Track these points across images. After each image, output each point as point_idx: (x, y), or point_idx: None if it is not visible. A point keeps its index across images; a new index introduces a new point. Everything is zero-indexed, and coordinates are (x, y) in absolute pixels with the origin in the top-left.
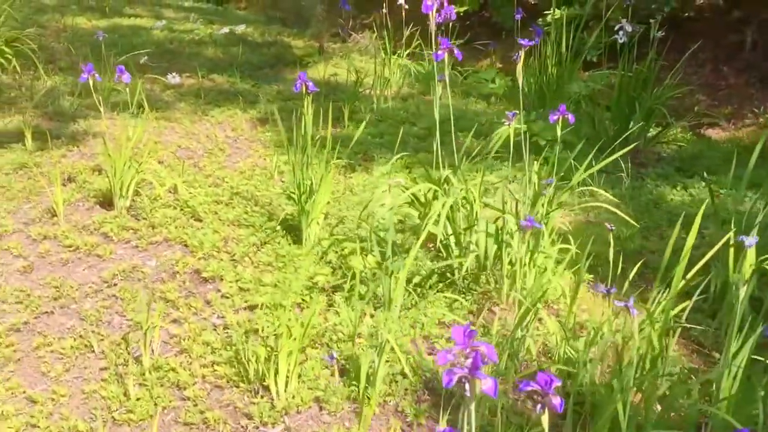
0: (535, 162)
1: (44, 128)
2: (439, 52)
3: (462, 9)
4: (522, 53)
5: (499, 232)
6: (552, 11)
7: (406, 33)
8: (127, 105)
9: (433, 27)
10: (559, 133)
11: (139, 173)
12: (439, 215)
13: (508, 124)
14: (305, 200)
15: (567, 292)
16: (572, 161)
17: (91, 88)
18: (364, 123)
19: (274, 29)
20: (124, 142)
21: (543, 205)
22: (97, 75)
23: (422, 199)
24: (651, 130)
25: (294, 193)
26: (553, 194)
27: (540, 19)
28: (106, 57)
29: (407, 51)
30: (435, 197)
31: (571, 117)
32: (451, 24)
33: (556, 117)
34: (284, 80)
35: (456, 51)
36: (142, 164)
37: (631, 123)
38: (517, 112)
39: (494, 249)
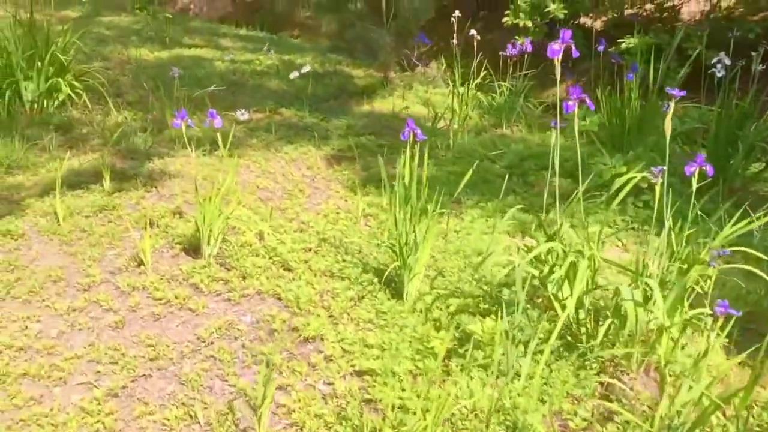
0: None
1: (120, 167)
2: (570, 103)
3: (526, 38)
4: (672, 105)
5: (634, 295)
6: (625, 40)
7: (475, 63)
8: (200, 141)
9: (558, 74)
10: (694, 185)
11: (228, 220)
12: (567, 279)
13: (656, 181)
14: (408, 254)
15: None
16: (699, 213)
17: (183, 134)
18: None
19: (332, 58)
20: (215, 191)
21: (676, 261)
22: (190, 121)
23: (541, 257)
24: (752, 167)
25: (394, 244)
26: (688, 249)
27: (613, 47)
28: (170, 89)
29: (476, 81)
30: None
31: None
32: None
33: (692, 169)
34: (352, 113)
35: (588, 101)
36: (232, 211)
37: (732, 161)
38: (664, 167)
39: (630, 313)
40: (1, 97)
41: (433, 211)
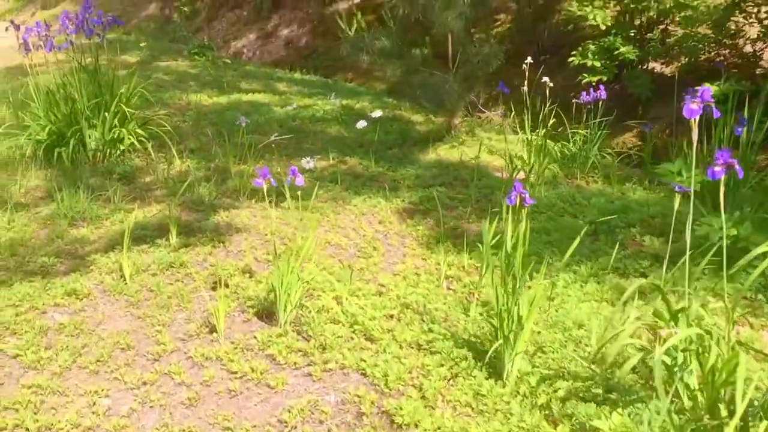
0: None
1: (185, 220)
2: (717, 169)
3: (594, 78)
4: None
5: None
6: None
7: (545, 109)
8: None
9: (694, 137)
10: None
11: (306, 284)
12: (712, 372)
13: None
14: (510, 330)
15: None
16: None
17: (264, 193)
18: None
19: (389, 103)
20: (292, 253)
21: None
22: (272, 180)
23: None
24: None
25: (492, 318)
26: None
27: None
28: (231, 136)
29: (546, 129)
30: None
31: None
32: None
33: None
34: (418, 162)
35: (737, 167)
36: (312, 278)
37: None
38: None
39: None
40: (65, 145)
41: (533, 279)
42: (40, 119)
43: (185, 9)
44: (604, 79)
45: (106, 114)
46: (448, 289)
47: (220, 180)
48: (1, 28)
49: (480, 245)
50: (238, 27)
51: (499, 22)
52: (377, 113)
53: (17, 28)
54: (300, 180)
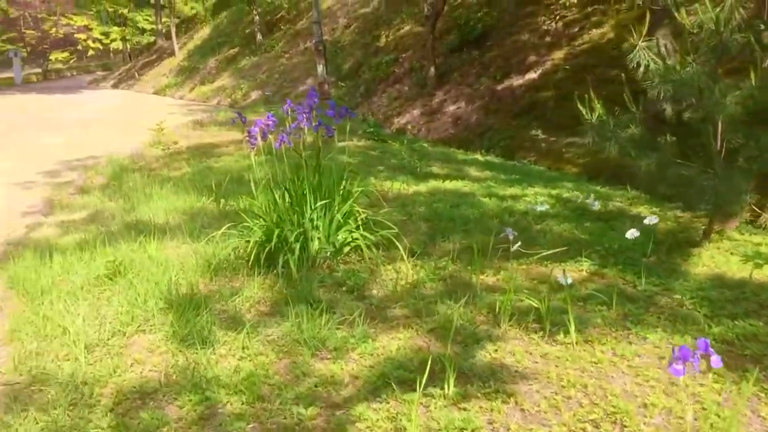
0: None
1: (448, 356)
2: None
3: None
4: None
5: None
6: None
7: None
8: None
9: None
10: None
11: None
12: None
13: None
14: None
15: None
16: None
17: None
18: None
19: (602, 192)
20: None
21: None
22: (695, 366)
23: None
24: None
25: None
26: None
27: None
28: (448, 232)
29: None
30: None
31: None
32: None
33: None
34: (689, 276)
35: None
36: None
37: None
38: None
39: None
40: (290, 252)
41: None
42: (258, 218)
43: (343, 84)
44: None
45: (335, 214)
46: None
47: (463, 295)
48: (167, 103)
49: None
50: (399, 102)
51: None
52: (654, 219)
53: (244, 120)
54: (716, 360)
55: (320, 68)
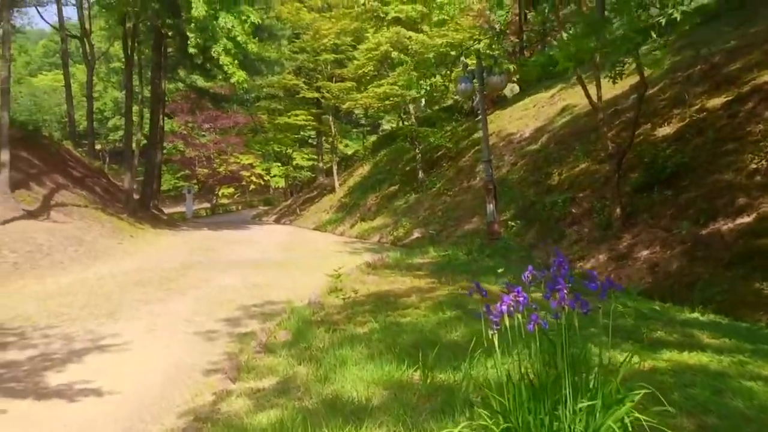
0: None
1: None
2: None
3: None
4: None
5: None
6: None
7: None
8: None
9: None
10: None
11: None
12: None
13: None
14: None
15: None
16: None
17: None
18: None
19: None
20: None
21: None
22: None
23: None
24: None
25: None
26: None
27: None
28: None
29: None
30: None
31: None
32: None
33: None
34: None
35: None
36: None
37: None
38: None
39: None
40: None
41: None
42: (495, 414)
43: (513, 224)
44: None
45: (603, 421)
46: None
47: None
48: (331, 240)
49: None
50: (581, 246)
51: None
52: None
53: (484, 293)
54: None
55: (490, 207)
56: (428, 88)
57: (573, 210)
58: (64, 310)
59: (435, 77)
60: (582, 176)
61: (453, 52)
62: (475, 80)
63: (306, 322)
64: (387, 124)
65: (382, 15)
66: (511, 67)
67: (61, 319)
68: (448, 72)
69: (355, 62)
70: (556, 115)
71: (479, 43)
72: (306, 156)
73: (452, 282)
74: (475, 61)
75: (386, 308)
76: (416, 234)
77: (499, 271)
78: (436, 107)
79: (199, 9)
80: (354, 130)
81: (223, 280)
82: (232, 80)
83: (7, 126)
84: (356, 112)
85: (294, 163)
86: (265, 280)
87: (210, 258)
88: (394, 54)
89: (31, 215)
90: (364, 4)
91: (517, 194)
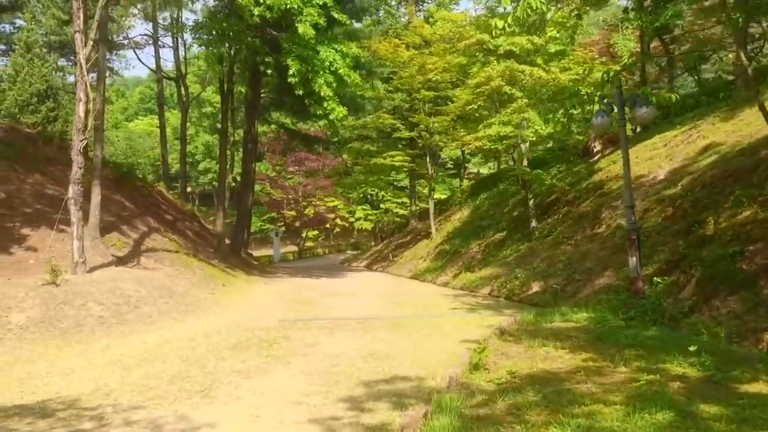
0: None
1: None
2: None
3: None
4: None
5: None
6: None
7: None
8: None
9: None
10: None
11: None
12: None
13: None
14: None
15: None
16: None
17: None
18: None
19: None
20: None
21: None
22: None
23: None
24: None
25: None
26: None
27: None
28: None
29: None
30: None
31: None
32: None
33: None
34: None
35: None
36: None
37: None
38: None
39: None
40: None
41: None
42: None
43: (659, 281)
44: None
45: None
46: None
47: None
48: (435, 292)
49: None
50: (764, 311)
51: None
52: None
53: None
54: None
55: (633, 261)
56: (564, 119)
57: (743, 266)
58: (151, 383)
59: (576, 109)
60: (749, 225)
61: (581, 88)
62: (614, 112)
63: (460, 417)
64: (474, 167)
65: (492, 48)
66: (653, 98)
67: (146, 396)
68: (587, 103)
69: (459, 99)
70: (697, 154)
71: (610, 75)
72: (398, 200)
73: (624, 360)
74: (609, 92)
75: (560, 400)
76: (535, 288)
77: (691, 348)
78: (549, 145)
79: (305, 29)
80: (439, 174)
81: (331, 344)
82: (331, 116)
83: (100, 163)
84: (442, 155)
85: (385, 206)
86: (382, 347)
87: (310, 314)
88: (506, 89)
89: (120, 261)
90: (472, 36)
91: (657, 245)
